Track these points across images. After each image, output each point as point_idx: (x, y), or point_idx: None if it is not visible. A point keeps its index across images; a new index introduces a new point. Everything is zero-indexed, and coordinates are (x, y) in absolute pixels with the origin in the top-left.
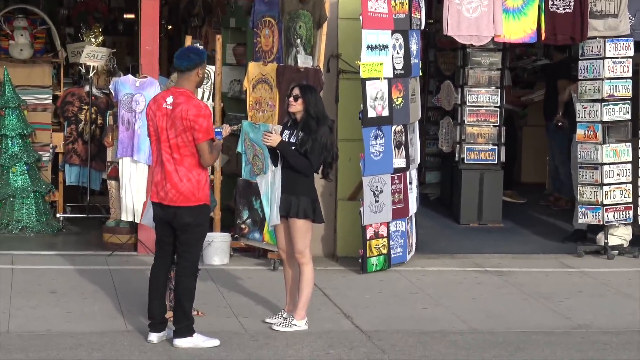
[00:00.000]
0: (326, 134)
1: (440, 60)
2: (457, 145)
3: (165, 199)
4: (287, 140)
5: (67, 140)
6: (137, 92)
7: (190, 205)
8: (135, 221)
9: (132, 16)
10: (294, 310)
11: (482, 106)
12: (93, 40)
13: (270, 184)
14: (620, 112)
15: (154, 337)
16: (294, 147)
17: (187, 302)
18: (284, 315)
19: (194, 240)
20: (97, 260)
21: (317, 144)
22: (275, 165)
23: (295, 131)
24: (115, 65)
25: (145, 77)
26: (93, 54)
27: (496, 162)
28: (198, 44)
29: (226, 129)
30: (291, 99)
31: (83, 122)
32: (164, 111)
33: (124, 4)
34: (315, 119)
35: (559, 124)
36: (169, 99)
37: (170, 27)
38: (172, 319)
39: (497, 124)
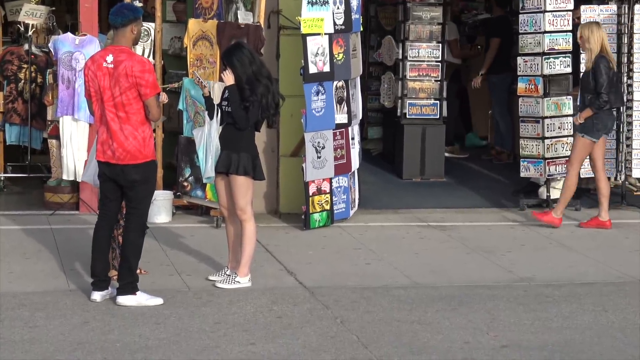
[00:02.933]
0: (264, 92)
1: (381, 15)
2: (399, 101)
3: (112, 157)
4: (226, 96)
5: (6, 100)
6: (77, 50)
7: (137, 162)
8: (77, 180)
9: None
10: (237, 267)
11: (424, 61)
12: None
13: (206, 136)
14: (561, 66)
15: (97, 295)
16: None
17: (134, 258)
18: (227, 273)
19: (142, 197)
20: (38, 220)
21: (256, 104)
22: (211, 118)
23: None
24: (54, 24)
25: (85, 35)
26: (32, 12)
27: (438, 117)
28: (137, 1)
29: (163, 97)
30: (225, 72)
31: (23, 81)
32: (104, 70)
33: None
34: (247, 82)
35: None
36: (109, 58)
37: None
38: (115, 277)
39: (439, 79)
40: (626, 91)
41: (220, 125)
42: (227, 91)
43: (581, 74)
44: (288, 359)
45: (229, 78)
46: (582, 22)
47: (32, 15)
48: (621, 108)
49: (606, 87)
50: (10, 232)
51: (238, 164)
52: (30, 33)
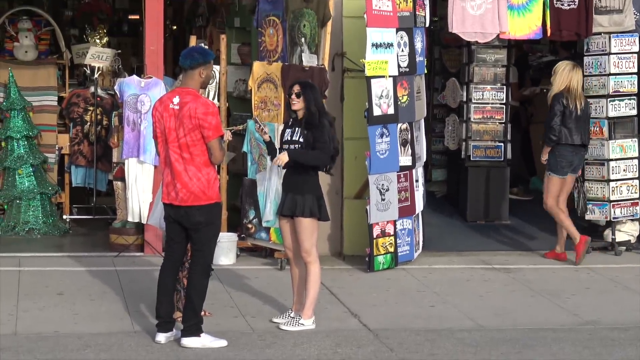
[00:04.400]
0: (328, 129)
1: (445, 57)
2: (463, 143)
3: (176, 199)
4: (289, 138)
5: (72, 142)
6: (142, 92)
7: (201, 204)
8: (142, 222)
9: (137, 17)
10: (301, 310)
11: (488, 103)
12: (97, 41)
13: (266, 180)
14: (626, 108)
15: (161, 337)
16: (298, 146)
17: (198, 300)
18: (292, 315)
19: (206, 239)
20: (104, 262)
21: (326, 137)
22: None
23: (299, 129)
24: (120, 66)
25: (150, 77)
26: (98, 55)
27: (502, 159)
28: (203, 44)
29: (227, 135)
30: (293, 96)
31: (88, 123)
32: (171, 112)
33: (128, 5)
34: (317, 114)
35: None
36: (175, 99)
37: (174, 27)
38: (179, 319)
39: (503, 121)
40: None
41: (283, 168)
42: (288, 134)
43: None
44: None
45: (300, 104)
46: None
47: (98, 58)
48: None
49: (555, 123)
50: (76, 273)
51: (304, 206)
52: (96, 76)
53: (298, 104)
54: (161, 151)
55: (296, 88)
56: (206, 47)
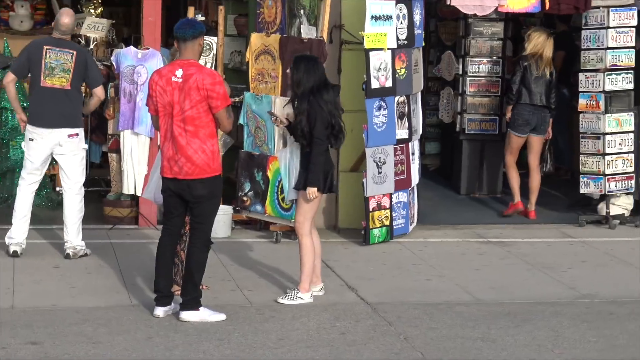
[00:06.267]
0: (322, 102)
1: (441, 30)
2: (458, 116)
3: (180, 173)
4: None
5: None
6: (139, 63)
7: (205, 177)
8: (137, 194)
9: None
10: (317, 282)
11: (484, 76)
12: (92, 11)
13: (288, 158)
14: (623, 82)
15: (160, 311)
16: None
17: (198, 274)
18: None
19: (207, 213)
20: (98, 234)
21: (316, 117)
22: (296, 140)
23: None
24: (114, 37)
25: (148, 48)
26: (94, 25)
27: (497, 132)
28: (200, 15)
29: None
30: (289, 71)
31: (83, 95)
32: (174, 85)
33: None
34: (308, 89)
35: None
36: (179, 72)
37: None
38: (178, 292)
39: (498, 94)
40: None
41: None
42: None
43: None
44: None
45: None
46: None
47: (94, 29)
48: None
49: (513, 82)
50: None
51: (306, 179)
52: (91, 46)
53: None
54: (162, 125)
55: (292, 63)
56: (203, 18)
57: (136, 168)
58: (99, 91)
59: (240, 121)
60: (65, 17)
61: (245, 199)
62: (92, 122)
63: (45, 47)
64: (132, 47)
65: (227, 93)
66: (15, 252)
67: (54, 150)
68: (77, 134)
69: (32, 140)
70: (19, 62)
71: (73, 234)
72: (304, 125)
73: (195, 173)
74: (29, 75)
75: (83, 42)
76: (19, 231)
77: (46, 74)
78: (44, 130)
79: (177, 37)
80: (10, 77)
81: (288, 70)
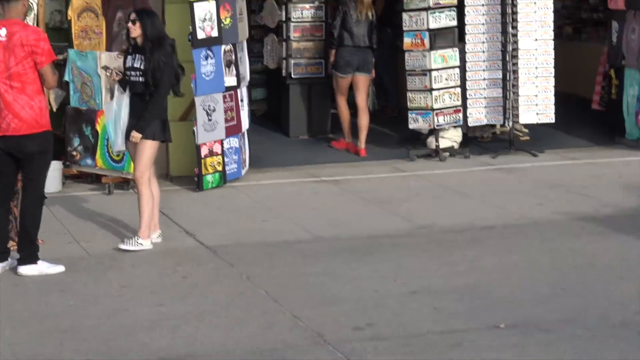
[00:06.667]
0: (168, 54)
1: None
2: (284, 61)
3: (7, 129)
4: (131, 65)
5: None
6: None
7: (34, 132)
8: None
9: None
10: (150, 229)
11: (308, 22)
12: None
13: (115, 110)
14: (447, 19)
15: None
16: (139, 72)
17: (33, 229)
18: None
19: (39, 169)
20: None
21: (165, 66)
22: (124, 91)
23: (139, 56)
24: None
25: None
26: None
27: (323, 75)
28: None
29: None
30: (129, 23)
31: None
32: None
33: None
34: (156, 40)
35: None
36: (2, 31)
37: None
38: (14, 248)
39: (323, 38)
40: (511, 40)
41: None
42: (130, 60)
43: None
44: (200, 317)
45: (137, 31)
46: None
47: None
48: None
49: (336, 29)
50: None
51: (147, 129)
52: None
53: (135, 31)
54: None
55: (132, 15)
56: None
57: None
58: None
59: (66, 78)
60: None
61: (74, 153)
62: None
63: None
64: None
65: (52, 50)
66: None
67: None
68: None
69: None
70: None
71: None
72: (155, 75)
73: (23, 129)
74: None
75: None
76: None
77: None
78: None
79: None
80: None
81: (116, 26)
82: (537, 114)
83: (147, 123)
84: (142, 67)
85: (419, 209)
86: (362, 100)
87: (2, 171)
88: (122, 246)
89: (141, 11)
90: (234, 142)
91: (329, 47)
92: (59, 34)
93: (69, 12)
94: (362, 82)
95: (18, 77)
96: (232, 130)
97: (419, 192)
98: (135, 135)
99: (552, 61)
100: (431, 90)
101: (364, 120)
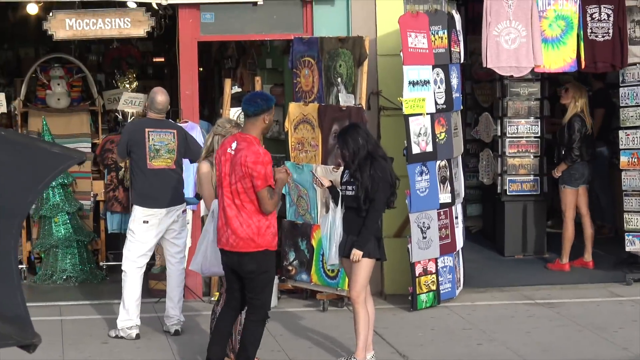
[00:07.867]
0: (381, 168)
1: (477, 92)
2: (499, 177)
3: (226, 244)
4: (345, 179)
5: (107, 188)
6: None
7: (250, 251)
8: None
9: (162, 59)
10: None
11: (523, 137)
12: (128, 86)
13: (330, 223)
14: None
15: None
16: (352, 186)
17: (252, 348)
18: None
19: (259, 287)
20: (144, 308)
21: (380, 181)
22: (337, 205)
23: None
24: None
25: (186, 121)
26: (131, 101)
27: (539, 192)
28: (236, 86)
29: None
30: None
31: (123, 169)
32: (227, 156)
33: (152, 48)
34: (362, 155)
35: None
36: (234, 145)
37: (200, 69)
38: None
39: (538, 154)
40: None
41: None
42: (346, 175)
43: None
44: None
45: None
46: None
47: (131, 104)
48: None
49: (577, 143)
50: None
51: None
52: (129, 121)
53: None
54: (219, 194)
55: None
56: (240, 89)
57: None
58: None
59: (282, 190)
60: (160, 95)
61: (290, 268)
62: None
63: (146, 129)
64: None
65: (270, 174)
66: (138, 335)
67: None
68: (185, 210)
69: (147, 222)
70: (120, 145)
71: (180, 308)
72: (367, 190)
73: (239, 246)
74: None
75: (120, 117)
76: (134, 314)
77: (152, 156)
78: (160, 210)
79: (242, 110)
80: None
81: (332, 139)
82: None
83: (365, 240)
84: (352, 180)
85: (635, 337)
86: (586, 208)
87: (231, 286)
88: None
89: (340, 133)
90: (448, 260)
91: (563, 162)
92: (277, 144)
93: (286, 124)
94: (584, 192)
95: (237, 194)
96: (447, 248)
97: (636, 319)
98: (356, 253)
99: None
100: None
101: (589, 228)
